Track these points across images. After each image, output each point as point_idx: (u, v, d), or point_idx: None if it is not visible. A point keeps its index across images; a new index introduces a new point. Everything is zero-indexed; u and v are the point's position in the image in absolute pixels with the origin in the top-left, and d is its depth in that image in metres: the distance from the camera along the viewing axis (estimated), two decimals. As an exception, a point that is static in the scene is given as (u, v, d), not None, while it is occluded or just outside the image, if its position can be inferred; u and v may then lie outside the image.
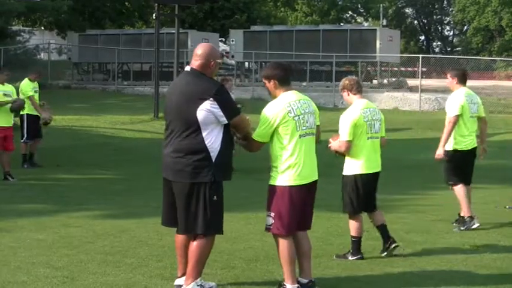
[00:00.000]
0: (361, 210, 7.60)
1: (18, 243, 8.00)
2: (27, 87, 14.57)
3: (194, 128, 5.86)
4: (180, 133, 5.93)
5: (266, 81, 6.21)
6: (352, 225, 7.59)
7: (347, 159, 7.48)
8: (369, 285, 6.56)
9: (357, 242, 7.55)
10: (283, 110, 6.00)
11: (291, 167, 6.01)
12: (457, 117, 9.04)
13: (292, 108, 6.04)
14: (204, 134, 5.86)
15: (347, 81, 7.63)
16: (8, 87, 13.35)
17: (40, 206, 10.74)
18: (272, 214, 6.05)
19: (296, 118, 6.03)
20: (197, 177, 5.87)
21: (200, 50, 6.08)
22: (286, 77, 6.24)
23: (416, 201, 11.44)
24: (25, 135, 14.70)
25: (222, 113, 5.86)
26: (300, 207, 6.10)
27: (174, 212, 6.05)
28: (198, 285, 5.97)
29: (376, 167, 7.59)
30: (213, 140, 5.88)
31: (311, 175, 6.16)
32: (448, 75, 9.38)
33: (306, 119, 6.10)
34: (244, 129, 6.17)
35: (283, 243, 6.03)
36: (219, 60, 6.12)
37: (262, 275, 6.76)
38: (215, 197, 5.91)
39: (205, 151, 5.87)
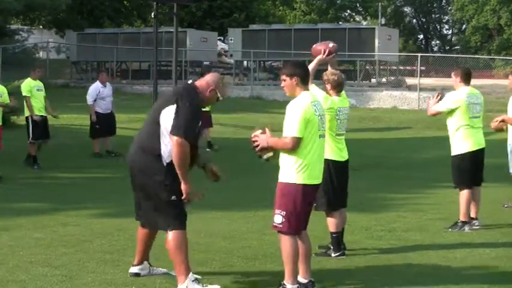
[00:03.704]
0: (338, 206, 7.57)
1: (17, 242, 7.99)
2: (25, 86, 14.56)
3: (157, 128, 6.02)
4: (146, 131, 6.17)
5: (287, 78, 6.08)
6: (331, 222, 7.54)
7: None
8: (367, 284, 6.55)
9: (337, 238, 7.53)
10: (310, 108, 5.95)
11: (307, 166, 5.94)
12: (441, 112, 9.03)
13: (316, 108, 6.01)
14: (161, 136, 6.00)
15: (336, 78, 7.57)
16: (0, 88, 13.19)
17: (38, 204, 10.72)
18: (283, 212, 5.96)
19: (319, 117, 6.01)
20: (152, 177, 6.03)
21: (209, 76, 6.26)
22: (307, 76, 6.23)
23: (415, 200, 11.43)
24: (30, 136, 14.58)
25: (172, 121, 5.88)
26: (309, 207, 6.11)
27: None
28: (192, 281, 5.99)
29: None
30: (168, 144, 5.97)
31: (320, 176, 6.14)
32: (452, 74, 9.31)
33: (324, 120, 6.12)
34: (176, 157, 5.89)
35: (290, 242, 5.97)
36: (219, 95, 6.18)
37: (261, 273, 6.75)
38: (173, 197, 5.99)
39: (159, 154, 6.00)
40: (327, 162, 7.16)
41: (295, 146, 5.90)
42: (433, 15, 75.77)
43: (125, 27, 43.25)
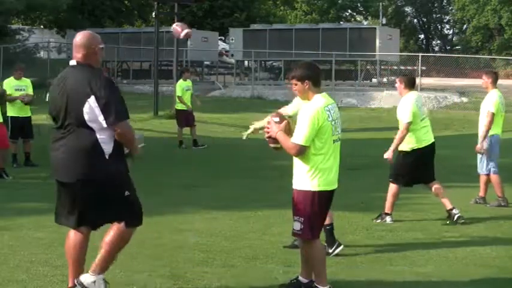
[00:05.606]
0: None
1: (17, 241, 7.99)
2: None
3: (86, 126, 5.40)
4: (73, 131, 5.47)
5: (298, 83, 5.88)
6: None
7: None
8: (368, 284, 6.55)
9: (330, 230, 7.45)
10: (324, 113, 5.79)
11: (323, 172, 5.84)
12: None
13: (330, 112, 5.85)
14: (96, 133, 5.41)
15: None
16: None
17: (39, 204, 10.70)
18: (301, 219, 5.89)
19: (333, 122, 5.87)
20: (91, 175, 5.52)
21: (80, 39, 5.58)
22: (319, 78, 6.02)
23: (415, 199, 11.41)
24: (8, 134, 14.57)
25: (100, 113, 5.32)
26: (326, 212, 6.10)
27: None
28: (103, 279, 5.87)
29: None
30: (106, 139, 5.44)
31: (335, 181, 6.03)
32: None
33: (338, 124, 5.99)
34: (129, 141, 5.54)
35: (314, 247, 5.95)
36: (101, 46, 5.62)
37: (262, 273, 6.75)
38: (127, 192, 5.84)
39: (100, 150, 5.45)
40: None
41: (298, 153, 5.80)
42: (434, 15, 75.74)
43: (125, 27, 43.29)
